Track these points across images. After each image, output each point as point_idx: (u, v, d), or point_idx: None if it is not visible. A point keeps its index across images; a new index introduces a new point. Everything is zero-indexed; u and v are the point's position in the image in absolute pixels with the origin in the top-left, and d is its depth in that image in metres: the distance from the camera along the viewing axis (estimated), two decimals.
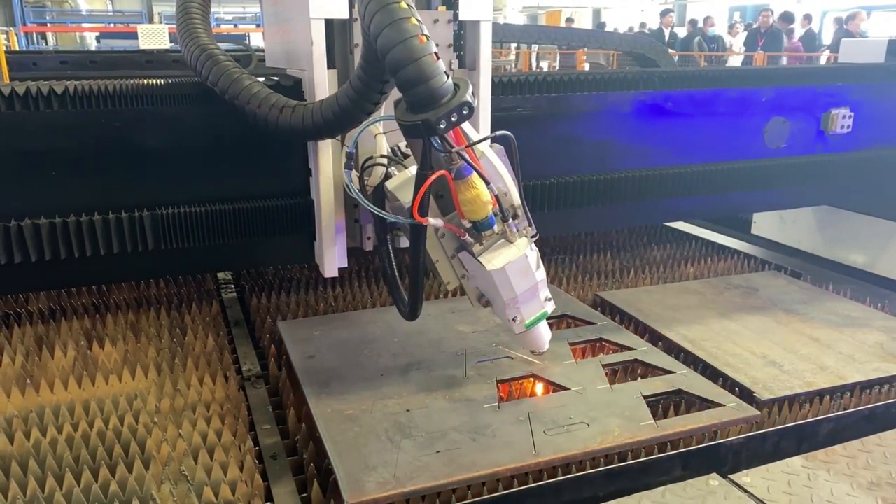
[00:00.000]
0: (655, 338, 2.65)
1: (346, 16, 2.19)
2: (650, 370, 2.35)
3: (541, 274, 1.97)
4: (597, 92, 2.83)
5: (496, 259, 1.85)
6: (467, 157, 1.76)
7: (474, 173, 1.77)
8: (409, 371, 2.28)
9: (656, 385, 2.22)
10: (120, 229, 2.28)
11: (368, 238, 2.45)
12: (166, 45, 8.05)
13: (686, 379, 2.25)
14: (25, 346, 2.51)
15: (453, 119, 1.66)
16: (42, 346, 2.52)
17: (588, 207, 2.87)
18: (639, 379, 2.32)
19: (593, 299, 3.06)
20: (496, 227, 1.85)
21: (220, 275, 3.31)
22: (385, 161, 2.12)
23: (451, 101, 1.66)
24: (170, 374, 2.35)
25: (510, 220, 1.87)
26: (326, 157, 2.27)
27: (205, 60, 2.22)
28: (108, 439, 1.97)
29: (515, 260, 1.86)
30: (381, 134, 2.12)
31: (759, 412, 2.09)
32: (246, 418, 2.12)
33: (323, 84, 2.20)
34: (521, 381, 2.26)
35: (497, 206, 1.83)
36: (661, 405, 2.16)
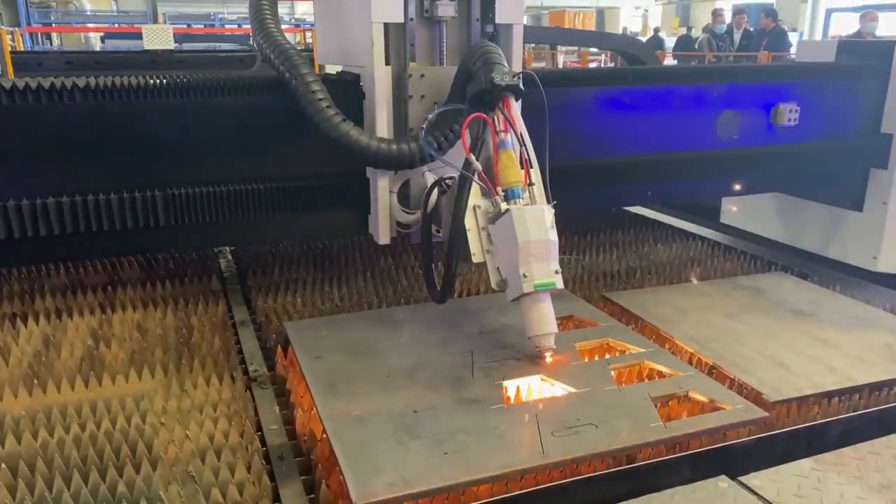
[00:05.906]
0: (662, 339, 2.64)
1: (401, 19, 2.48)
2: (657, 371, 2.35)
3: (554, 235, 2.22)
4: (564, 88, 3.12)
5: (518, 207, 2.21)
6: (513, 129, 2.28)
7: (512, 149, 2.26)
8: (415, 372, 2.28)
9: (664, 386, 2.21)
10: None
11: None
12: (171, 45, 8.04)
13: (693, 380, 2.24)
14: (32, 345, 2.52)
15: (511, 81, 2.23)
16: (49, 345, 2.52)
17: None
18: (646, 380, 2.32)
19: (599, 300, 3.05)
20: (522, 201, 2.24)
21: (227, 275, 3.31)
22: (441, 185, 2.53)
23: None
24: (176, 374, 2.35)
25: (532, 189, 2.27)
26: None
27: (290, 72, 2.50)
28: (116, 440, 1.97)
29: (534, 208, 2.22)
30: (428, 172, 2.60)
31: (767, 413, 2.08)
32: (253, 419, 2.12)
33: (382, 79, 2.51)
34: (528, 382, 2.25)
35: (525, 182, 2.25)
36: (669, 406, 2.16)
